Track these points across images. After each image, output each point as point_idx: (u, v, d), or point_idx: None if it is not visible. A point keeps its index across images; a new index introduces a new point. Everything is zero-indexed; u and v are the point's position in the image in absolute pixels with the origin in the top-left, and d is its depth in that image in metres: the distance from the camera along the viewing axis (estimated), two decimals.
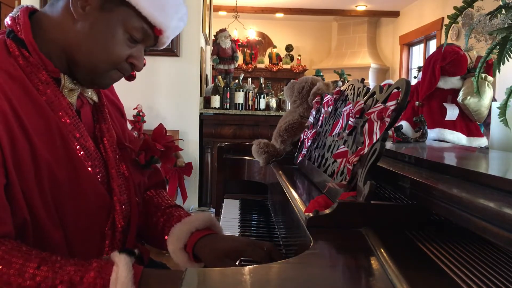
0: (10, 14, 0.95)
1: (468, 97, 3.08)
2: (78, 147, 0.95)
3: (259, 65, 8.27)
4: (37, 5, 3.45)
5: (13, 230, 0.82)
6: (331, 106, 1.33)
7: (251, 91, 4.47)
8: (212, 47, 4.81)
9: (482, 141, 3.15)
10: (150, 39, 0.98)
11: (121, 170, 1.05)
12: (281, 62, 8.28)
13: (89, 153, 0.98)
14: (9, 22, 0.94)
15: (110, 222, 0.99)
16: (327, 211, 0.81)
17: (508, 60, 1.25)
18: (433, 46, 6.26)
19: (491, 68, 2.99)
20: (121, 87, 1.16)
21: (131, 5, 0.91)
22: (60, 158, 0.90)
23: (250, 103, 4.43)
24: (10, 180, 0.82)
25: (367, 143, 0.88)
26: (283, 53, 8.41)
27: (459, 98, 3.14)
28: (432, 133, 3.07)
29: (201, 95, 4.10)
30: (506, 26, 1.25)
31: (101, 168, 1.01)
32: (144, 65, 1.00)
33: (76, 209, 0.93)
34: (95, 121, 1.06)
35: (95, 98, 1.05)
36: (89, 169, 0.97)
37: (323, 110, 1.39)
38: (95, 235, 0.98)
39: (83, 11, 0.91)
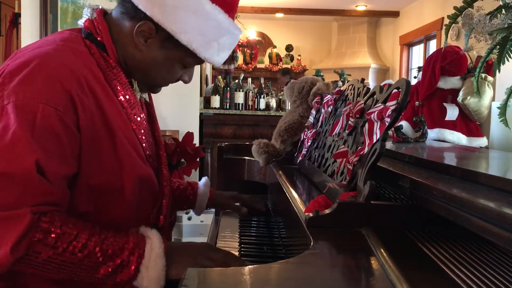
0: (86, 15, 1.01)
1: (468, 97, 3.08)
2: (143, 138, 1.04)
3: (259, 65, 8.25)
4: (36, 6, 3.45)
5: (59, 203, 0.88)
6: (331, 106, 1.33)
7: (251, 91, 4.46)
8: None
9: (482, 141, 3.15)
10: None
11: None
12: (281, 62, 8.27)
13: (150, 145, 1.08)
14: (86, 24, 1.00)
15: (157, 207, 1.08)
16: (327, 211, 0.81)
17: (508, 60, 1.25)
18: (433, 46, 6.24)
19: (491, 68, 2.99)
20: None
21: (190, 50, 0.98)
22: (134, 145, 1.00)
23: (250, 103, 4.42)
24: (84, 171, 0.90)
25: (367, 143, 0.88)
26: (283, 53, 8.40)
27: (459, 98, 3.13)
28: (432, 133, 3.07)
29: (201, 95, 4.09)
30: (506, 26, 1.25)
31: (154, 158, 1.10)
32: None
33: (138, 191, 1.00)
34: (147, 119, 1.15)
35: (147, 98, 1.17)
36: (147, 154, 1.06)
37: (323, 110, 1.39)
38: (142, 218, 1.03)
39: (145, 43, 0.98)
